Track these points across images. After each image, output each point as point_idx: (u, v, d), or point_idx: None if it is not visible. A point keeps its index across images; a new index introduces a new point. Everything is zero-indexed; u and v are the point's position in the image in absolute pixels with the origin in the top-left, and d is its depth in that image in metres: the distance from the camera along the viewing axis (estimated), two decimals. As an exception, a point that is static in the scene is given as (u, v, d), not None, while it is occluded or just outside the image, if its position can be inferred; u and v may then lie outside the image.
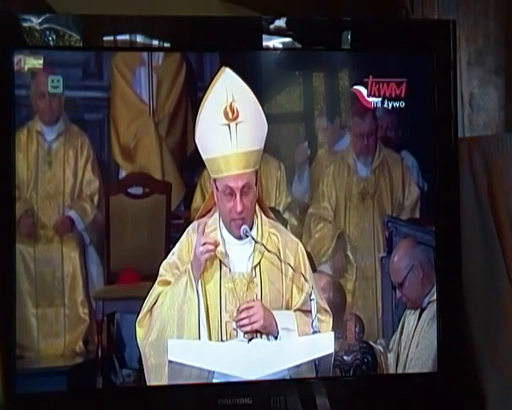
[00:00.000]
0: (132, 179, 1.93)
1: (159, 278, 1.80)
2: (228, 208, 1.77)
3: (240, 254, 1.79)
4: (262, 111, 1.78)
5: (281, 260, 1.79)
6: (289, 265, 1.79)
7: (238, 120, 1.74)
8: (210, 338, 1.76)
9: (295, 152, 1.92)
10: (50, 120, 1.87)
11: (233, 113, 1.74)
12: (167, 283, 1.79)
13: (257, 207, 1.81)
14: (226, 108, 1.74)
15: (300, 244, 1.83)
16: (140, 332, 1.78)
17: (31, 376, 1.79)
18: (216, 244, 1.76)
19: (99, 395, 1.84)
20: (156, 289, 1.79)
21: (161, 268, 1.80)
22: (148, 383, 1.78)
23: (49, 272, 1.86)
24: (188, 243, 1.80)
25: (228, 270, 1.78)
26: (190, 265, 1.77)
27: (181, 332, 1.76)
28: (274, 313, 1.77)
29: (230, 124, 1.74)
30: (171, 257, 1.80)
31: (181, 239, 1.81)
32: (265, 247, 1.78)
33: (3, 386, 1.76)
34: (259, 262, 1.79)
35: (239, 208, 1.75)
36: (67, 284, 1.88)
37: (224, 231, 1.80)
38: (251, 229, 1.79)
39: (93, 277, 1.91)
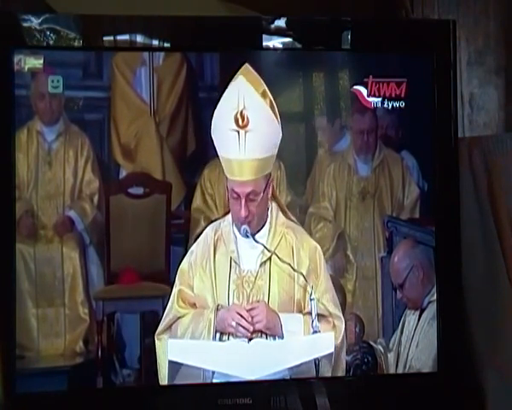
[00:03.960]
0: (133, 179, 1.93)
1: (175, 289, 1.81)
2: (234, 211, 1.79)
3: (250, 252, 1.80)
4: (276, 119, 1.78)
5: (289, 264, 1.80)
6: (290, 265, 1.79)
7: (248, 128, 1.74)
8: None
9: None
10: (50, 120, 1.87)
11: (243, 120, 1.74)
12: (186, 302, 1.81)
13: (273, 204, 1.82)
14: (237, 114, 1.74)
15: (319, 248, 1.84)
16: (159, 344, 1.80)
17: (31, 376, 1.79)
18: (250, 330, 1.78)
19: (99, 395, 1.84)
20: (175, 307, 1.80)
21: (179, 271, 1.81)
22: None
23: (49, 272, 1.86)
24: (203, 243, 1.82)
25: (237, 267, 1.80)
26: (214, 315, 1.78)
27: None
28: (280, 315, 1.78)
29: (240, 131, 1.74)
30: (190, 257, 1.82)
31: (199, 239, 1.83)
32: (265, 247, 1.79)
33: (3, 386, 1.75)
34: (270, 260, 1.80)
35: (243, 214, 1.77)
36: (67, 284, 1.88)
37: (236, 229, 1.81)
38: (262, 227, 1.80)
39: (93, 277, 1.91)
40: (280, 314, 1.78)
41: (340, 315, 1.83)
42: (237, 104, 1.74)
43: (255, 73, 1.78)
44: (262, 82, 1.78)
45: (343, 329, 1.82)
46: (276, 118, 1.79)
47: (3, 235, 1.76)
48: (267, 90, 1.78)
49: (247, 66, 1.77)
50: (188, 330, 1.79)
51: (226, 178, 1.79)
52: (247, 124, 1.74)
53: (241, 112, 1.74)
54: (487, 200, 1.95)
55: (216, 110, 1.77)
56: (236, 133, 1.74)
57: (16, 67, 1.76)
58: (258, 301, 1.78)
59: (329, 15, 1.92)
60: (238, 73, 1.77)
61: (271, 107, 1.78)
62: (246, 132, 1.74)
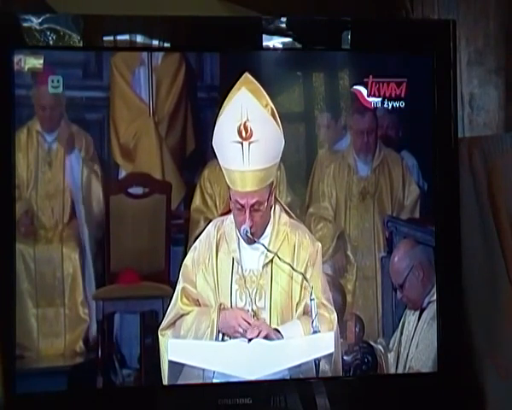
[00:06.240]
0: (132, 179, 1.93)
1: (179, 286, 1.81)
2: (238, 221, 1.79)
3: (252, 252, 1.81)
4: (278, 128, 1.78)
5: (289, 265, 1.80)
6: (290, 266, 1.80)
7: (251, 139, 1.74)
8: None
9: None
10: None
11: (246, 132, 1.74)
12: (190, 299, 1.81)
13: (277, 205, 1.83)
14: (240, 126, 1.74)
15: (320, 245, 1.84)
16: (162, 340, 1.80)
17: (31, 376, 1.79)
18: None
19: (99, 395, 1.84)
20: (178, 304, 1.81)
21: (183, 267, 1.82)
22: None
23: (49, 272, 1.86)
24: (205, 240, 1.82)
25: (240, 267, 1.80)
26: (217, 315, 1.78)
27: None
28: (280, 328, 1.78)
29: (243, 143, 1.74)
30: (193, 253, 1.82)
31: (201, 236, 1.83)
32: (267, 248, 1.79)
33: (3, 386, 1.75)
34: (271, 261, 1.80)
35: (248, 225, 1.77)
36: (67, 284, 1.88)
37: (237, 231, 1.81)
38: (266, 226, 1.80)
39: (93, 277, 1.91)
40: (280, 328, 1.78)
41: (332, 307, 1.83)
42: (240, 116, 1.74)
43: (256, 83, 1.78)
44: (263, 91, 1.78)
45: (336, 321, 1.82)
46: (279, 126, 1.79)
47: (3, 235, 1.76)
48: (268, 98, 1.78)
49: (247, 75, 1.77)
50: (191, 328, 1.79)
51: (229, 187, 1.79)
52: (250, 135, 1.74)
53: (245, 124, 1.74)
54: (487, 200, 1.95)
55: (218, 122, 1.77)
56: (240, 145, 1.75)
57: (16, 67, 1.76)
58: (258, 319, 1.79)
59: (329, 15, 1.92)
60: (239, 83, 1.77)
61: (273, 116, 1.78)
62: (249, 144, 1.74)
